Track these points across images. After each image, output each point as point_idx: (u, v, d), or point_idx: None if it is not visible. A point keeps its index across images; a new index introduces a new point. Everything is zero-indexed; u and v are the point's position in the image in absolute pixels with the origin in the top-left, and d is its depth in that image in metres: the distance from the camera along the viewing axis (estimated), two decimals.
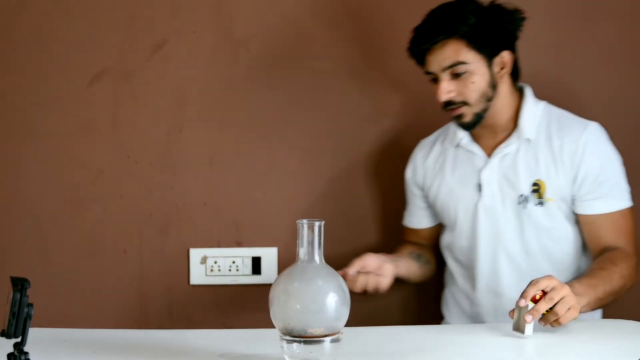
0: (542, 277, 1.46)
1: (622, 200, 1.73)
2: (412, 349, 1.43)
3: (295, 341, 1.24)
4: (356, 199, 2.15)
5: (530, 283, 1.45)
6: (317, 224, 1.27)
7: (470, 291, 1.84)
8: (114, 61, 2.14)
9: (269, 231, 2.14)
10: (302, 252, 1.27)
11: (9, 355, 1.07)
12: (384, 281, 1.71)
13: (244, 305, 2.13)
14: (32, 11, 2.12)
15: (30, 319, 1.05)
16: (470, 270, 1.83)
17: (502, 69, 1.72)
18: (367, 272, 1.68)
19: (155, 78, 2.14)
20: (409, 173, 1.95)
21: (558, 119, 1.77)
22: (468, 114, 1.72)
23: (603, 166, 1.72)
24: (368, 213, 2.15)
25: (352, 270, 1.66)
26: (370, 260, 1.69)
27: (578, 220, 1.76)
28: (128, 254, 2.17)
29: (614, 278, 1.62)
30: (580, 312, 1.49)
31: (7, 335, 1.05)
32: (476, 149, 1.80)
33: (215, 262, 2.13)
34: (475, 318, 1.84)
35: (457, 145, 1.83)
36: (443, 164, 1.86)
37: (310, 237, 1.27)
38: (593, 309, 1.61)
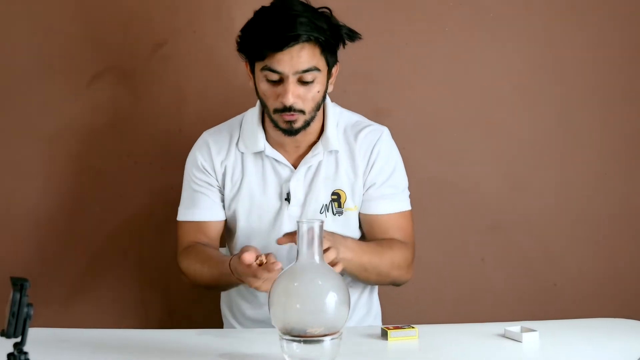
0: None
1: (404, 202, 1.78)
2: (412, 348, 1.44)
3: (295, 341, 1.24)
4: None
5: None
6: (317, 223, 1.27)
7: (255, 296, 1.79)
8: (114, 61, 2.14)
9: None
10: (302, 251, 1.27)
11: (9, 355, 1.07)
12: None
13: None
14: (32, 11, 2.13)
15: (30, 319, 1.05)
16: None
17: (329, 80, 1.71)
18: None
19: (155, 78, 2.14)
20: (199, 164, 1.79)
21: (353, 125, 1.78)
22: (300, 120, 1.66)
23: (392, 171, 1.76)
24: None
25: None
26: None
27: (365, 221, 1.77)
28: (128, 254, 2.17)
29: (384, 256, 1.68)
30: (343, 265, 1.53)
31: (6, 335, 1.05)
32: (281, 158, 1.75)
33: None
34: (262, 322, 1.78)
35: (258, 152, 1.77)
36: (243, 170, 1.78)
37: (310, 236, 1.27)
38: (357, 275, 1.67)
